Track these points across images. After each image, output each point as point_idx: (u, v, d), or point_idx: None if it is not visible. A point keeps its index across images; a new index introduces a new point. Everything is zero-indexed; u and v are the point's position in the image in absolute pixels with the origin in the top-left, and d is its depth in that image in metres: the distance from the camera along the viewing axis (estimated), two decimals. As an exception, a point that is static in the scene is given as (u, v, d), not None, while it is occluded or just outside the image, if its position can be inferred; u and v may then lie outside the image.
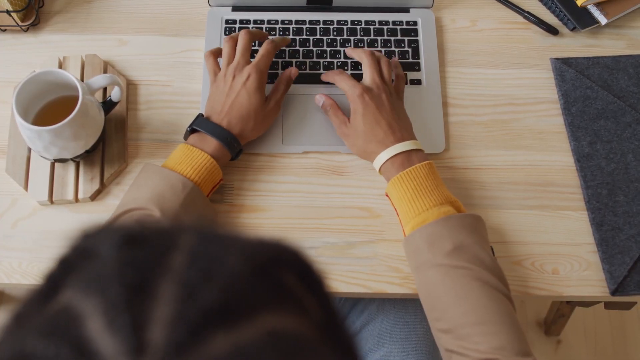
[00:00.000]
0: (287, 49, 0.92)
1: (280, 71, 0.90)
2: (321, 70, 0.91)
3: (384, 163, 0.79)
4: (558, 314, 1.39)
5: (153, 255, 0.30)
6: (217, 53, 0.86)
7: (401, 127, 0.80)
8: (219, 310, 0.28)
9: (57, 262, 0.32)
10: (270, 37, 0.88)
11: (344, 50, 0.91)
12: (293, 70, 0.87)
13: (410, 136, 0.81)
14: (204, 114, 0.82)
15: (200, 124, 0.80)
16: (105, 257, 0.30)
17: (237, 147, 0.80)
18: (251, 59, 0.84)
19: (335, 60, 0.91)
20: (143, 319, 0.27)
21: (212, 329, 0.27)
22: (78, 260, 0.32)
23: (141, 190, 0.75)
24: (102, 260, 0.30)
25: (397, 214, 0.78)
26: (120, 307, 0.28)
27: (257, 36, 0.87)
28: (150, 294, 0.28)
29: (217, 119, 0.80)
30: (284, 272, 0.33)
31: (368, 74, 0.83)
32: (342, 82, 0.83)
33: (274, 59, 0.90)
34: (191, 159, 0.77)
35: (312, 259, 0.35)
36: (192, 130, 0.80)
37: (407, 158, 0.78)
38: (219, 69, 0.84)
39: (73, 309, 0.29)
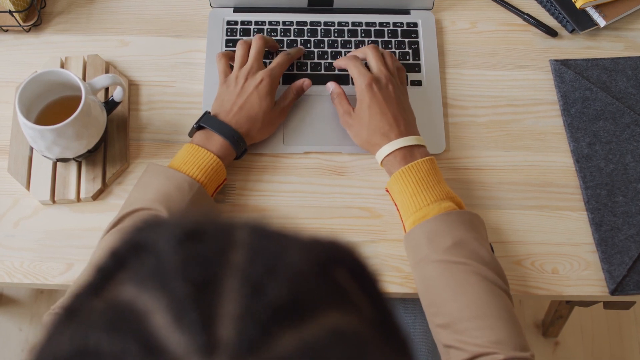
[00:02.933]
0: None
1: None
2: (322, 72, 0.91)
3: (387, 156, 0.79)
4: (556, 315, 1.40)
5: (213, 250, 0.30)
6: (229, 55, 0.87)
7: (406, 121, 0.81)
8: (287, 307, 0.28)
9: (109, 255, 0.31)
10: (285, 50, 0.90)
11: (334, 63, 0.91)
12: (306, 82, 0.88)
13: (414, 131, 0.81)
14: (211, 112, 0.82)
15: (208, 121, 0.80)
16: (163, 252, 0.30)
17: (242, 146, 0.81)
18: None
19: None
20: (211, 315, 0.27)
21: (281, 326, 0.27)
22: (132, 254, 0.31)
23: (147, 191, 0.75)
24: (161, 255, 0.30)
25: (397, 209, 0.79)
26: (187, 303, 0.27)
27: (270, 43, 0.89)
28: (215, 290, 0.28)
29: (224, 118, 0.81)
30: (340, 271, 0.33)
31: (375, 65, 0.84)
32: (353, 67, 0.84)
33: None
34: (197, 158, 0.77)
35: (366, 258, 0.34)
36: (198, 127, 0.81)
37: (409, 152, 0.79)
38: (230, 71, 0.85)
39: (135, 304, 0.28)
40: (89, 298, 0.30)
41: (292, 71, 0.91)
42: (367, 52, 0.85)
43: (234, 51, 0.88)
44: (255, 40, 0.86)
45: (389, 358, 0.31)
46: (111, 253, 0.31)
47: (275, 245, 0.31)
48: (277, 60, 0.86)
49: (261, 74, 0.83)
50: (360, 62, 0.84)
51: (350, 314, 0.31)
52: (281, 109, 0.85)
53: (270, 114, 0.83)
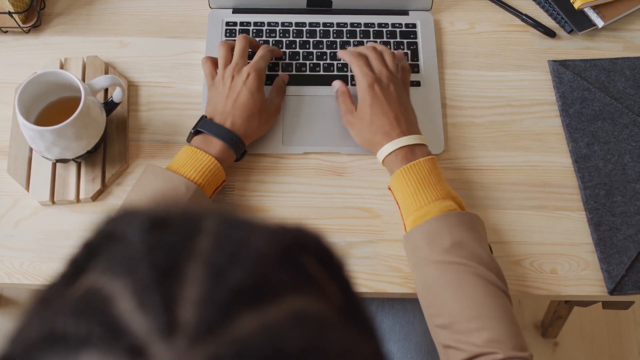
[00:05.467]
0: (287, 50, 0.93)
1: (280, 72, 0.91)
2: (321, 72, 0.92)
3: (388, 155, 0.80)
4: (555, 315, 1.40)
5: (180, 238, 0.31)
6: (214, 58, 0.87)
7: (407, 120, 0.81)
8: (247, 291, 0.29)
9: (82, 246, 0.33)
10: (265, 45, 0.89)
11: (338, 53, 0.90)
12: (283, 76, 0.89)
13: (416, 130, 0.82)
14: (206, 115, 0.82)
15: (204, 126, 0.80)
16: (131, 240, 0.31)
17: (241, 147, 0.81)
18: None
19: (335, 62, 0.92)
20: (173, 299, 0.28)
21: (241, 309, 0.28)
22: (103, 244, 0.32)
23: (144, 192, 0.75)
24: (129, 243, 0.31)
25: (399, 207, 0.79)
26: (151, 288, 0.28)
27: (253, 42, 0.89)
28: (179, 275, 0.29)
29: (220, 120, 0.80)
30: (306, 256, 0.33)
31: (376, 66, 0.84)
32: (356, 66, 0.83)
33: (274, 61, 0.91)
34: (195, 160, 0.77)
35: (332, 244, 0.35)
36: (196, 132, 0.81)
37: (410, 151, 0.79)
38: (217, 73, 0.85)
39: (102, 290, 0.29)
40: (61, 287, 0.31)
41: (291, 72, 0.91)
42: (367, 53, 0.85)
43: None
44: (239, 39, 0.86)
45: (353, 342, 0.31)
46: (84, 244, 0.33)
47: (241, 232, 0.32)
48: (259, 53, 0.86)
49: (247, 69, 0.83)
50: (364, 60, 0.84)
51: (315, 298, 0.31)
52: (276, 105, 0.86)
53: (265, 109, 0.83)
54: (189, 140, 0.82)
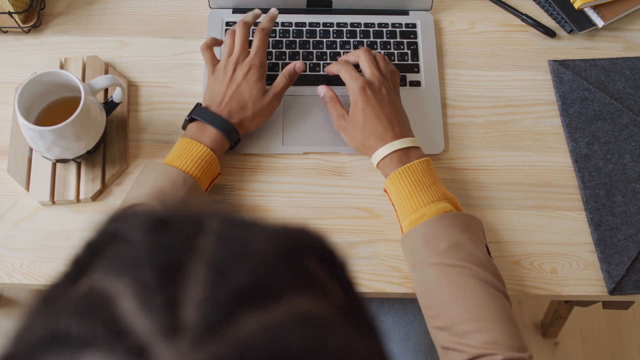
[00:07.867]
0: (287, 50, 0.93)
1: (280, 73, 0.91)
2: (321, 72, 0.91)
3: (383, 159, 0.79)
4: (555, 315, 1.40)
5: (182, 238, 0.31)
6: (212, 45, 0.87)
7: (400, 123, 0.81)
8: (249, 291, 0.29)
9: (84, 246, 0.33)
10: (259, 26, 0.87)
11: (324, 67, 0.90)
12: (298, 64, 0.86)
13: (409, 133, 0.81)
14: (202, 104, 0.82)
15: (199, 113, 0.80)
16: (134, 240, 0.31)
17: (235, 136, 0.81)
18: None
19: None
20: (176, 299, 0.28)
21: (243, 309, 0.28)
22: (105, 244, 0.32)
23: (142, 188, 0.76)
24: (132, 243, 0.31)
25: (395, 209, 0.79)
26: (153, 288, 0.28)
27: (251, 21, 0.87)
28: (181, 275, 0.29)
29: (216, 109, 0.81)
30: (309, 257, 0.33)
31: (367, 69, 0.83)
32: (345, 72, 0.83)
33: (274, 61, 0.91)
34: (190, 151, 0.77)
35: (335, 245, 0.35)
36: (191, 119, 0.81)
37: (405, 154, 0.79)
38: (217, 61, 0.85)
39: (104, 290, 0.29)
40: (63, 287, 0.31)
41: (291, 72, 0.91)
42: (360, 55, 0.85)
43: (215, 39, 0.87)
44: (238, 28, 0.85)
45: (356, 343, 0.31)
46: (86, 244, 0.33)
47: (244, 232, 0.32)
48: (255, 42, 0.84)
49: (248, 61, 0.83)
50: (352, 66, 0.84)
51: (317, 299, 0.31)
52: (274, 95, 0.84)
53: (262, 100, 0.83)
54: (184, 127, 0.83)
